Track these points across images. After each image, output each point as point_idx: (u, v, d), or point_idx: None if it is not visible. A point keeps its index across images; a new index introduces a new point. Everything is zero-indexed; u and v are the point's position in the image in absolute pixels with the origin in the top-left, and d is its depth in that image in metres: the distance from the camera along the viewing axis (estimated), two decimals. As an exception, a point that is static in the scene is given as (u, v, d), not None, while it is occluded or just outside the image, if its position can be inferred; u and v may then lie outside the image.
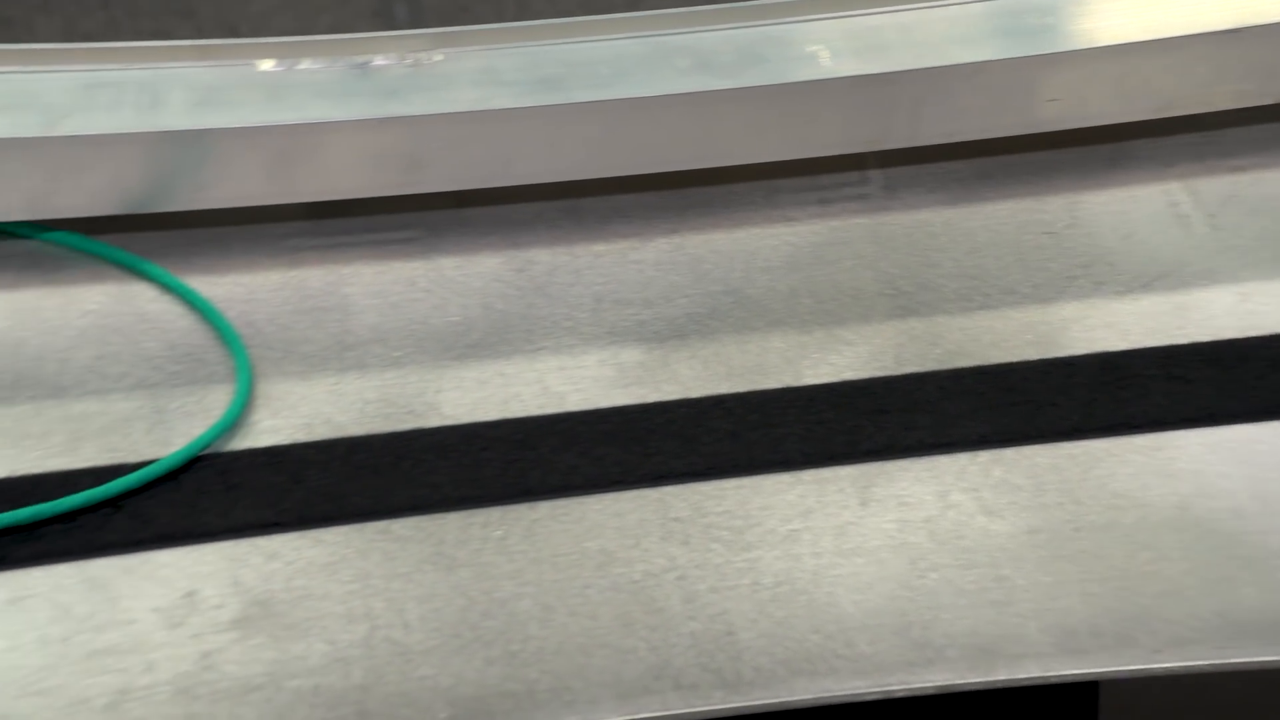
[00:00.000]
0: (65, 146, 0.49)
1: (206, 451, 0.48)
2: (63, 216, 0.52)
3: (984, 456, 0.48)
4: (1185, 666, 0.43)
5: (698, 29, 0.54)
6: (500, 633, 0.44)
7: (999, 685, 0.43)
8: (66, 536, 0.45)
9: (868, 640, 0.44)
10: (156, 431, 0.48)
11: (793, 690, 0.43)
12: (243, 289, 0.53)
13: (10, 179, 0.49)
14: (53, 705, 0.41)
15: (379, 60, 0.52)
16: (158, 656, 0.43)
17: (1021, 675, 0.43)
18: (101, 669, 0.42)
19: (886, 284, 0.55)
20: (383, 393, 0.51)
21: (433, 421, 0.50)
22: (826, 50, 0.53)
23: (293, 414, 0.50)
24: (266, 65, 0.52)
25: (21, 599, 0.43)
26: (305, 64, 0.52)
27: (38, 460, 0.47)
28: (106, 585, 0.44)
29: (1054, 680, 0.43)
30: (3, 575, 0.44)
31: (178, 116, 0.50)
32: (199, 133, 0.50)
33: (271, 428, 0.49)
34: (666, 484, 0.48)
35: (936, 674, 0.43)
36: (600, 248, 0.56)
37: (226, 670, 0.43)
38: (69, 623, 0.43)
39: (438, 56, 0.53)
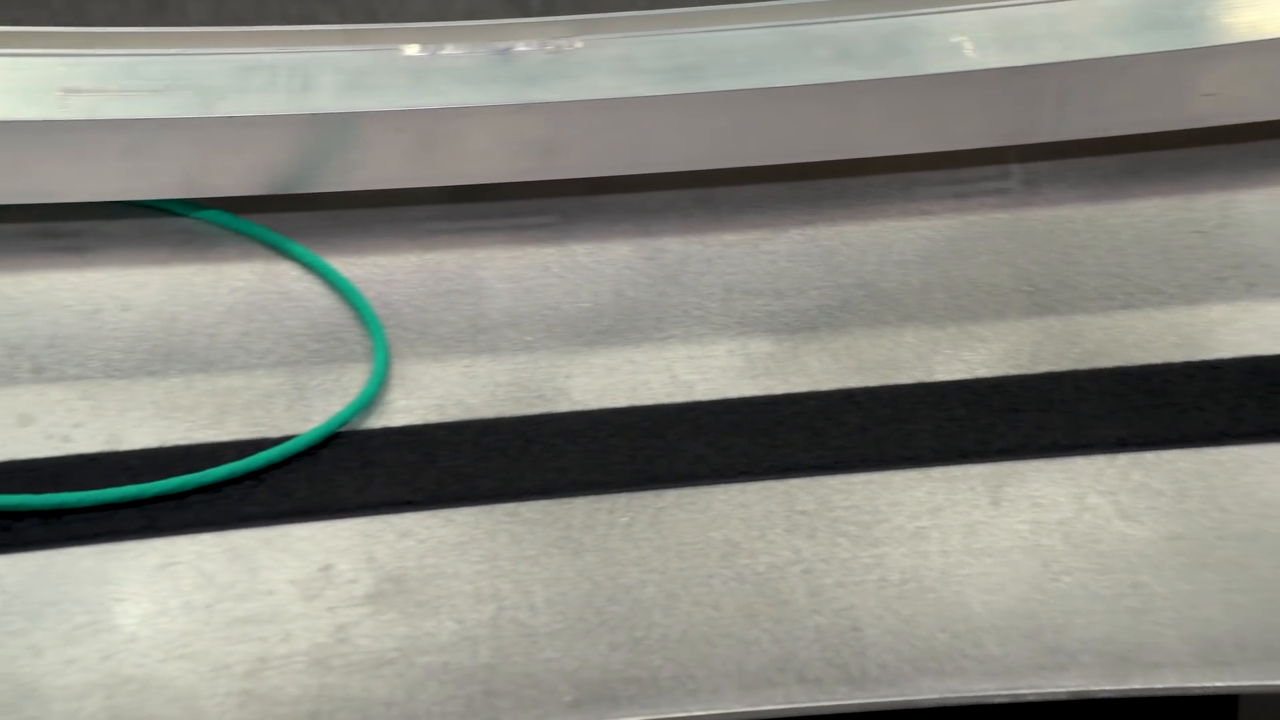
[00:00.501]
0: (221, 127, 0.51)
1: (344, 429, 0.49)
2: (215, 195, 0.54)
3: (1123, 460, 0.47)
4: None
5: (839, 19, 0.53)
6: (625, 618, 0.44)
7: (1134, 695, 0.42)
8: (212, 507, 0.47)
9: (997, 642, 0.43)
10: (297, 408, 0.50)
11: (918, 689, 0.42)
12: (381, 270, 0.55)
13: (169, 158, 0.51)
14: (197, 669, 0.43)
15: (520, 46, 0.53)
16: (294, 627, 0.44)
17: (1159, 685, 0.42)
18: (242, 637, 0.44)
19: (1024, 280, 0.54)
20: (514, 376, 0.51)
21: (562, 406, 0.50)
22: (971, 41, 0.52)
23: (426, 395, 0.51)
24: (412, 50, 0.53)
25: (169, 565, 0.45)
26: (449, 49, 0.52)
27: (186, 432, 0.49)
28: (248, 556, 0.46)
29: (1193, 692, 0.42)
30: (153, 542, 0.46)
31: (327, 99, 0.52)
32: (346, 115, 0.51)
33: (406, 407, 0.50)
34: (793, 476, 0.48)
35: (1069, 680, 0.42)
36: (732, 237, 0.56)
37: (360, 644, 0.44)
38: (212, 590, 0.45)
39: (578, 44, 0.53)
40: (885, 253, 0.55)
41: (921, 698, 0.42)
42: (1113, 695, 0.42)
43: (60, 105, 0.49)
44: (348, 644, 0.44)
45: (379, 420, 0.50)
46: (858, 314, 0.53)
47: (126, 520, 0.46)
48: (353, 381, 0.51)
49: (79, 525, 0.45)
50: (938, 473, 0.47)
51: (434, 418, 0.50)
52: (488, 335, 0.53)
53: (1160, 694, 0.42)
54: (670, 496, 0.48)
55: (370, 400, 0.50)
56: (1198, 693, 0.42)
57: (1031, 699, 0.42)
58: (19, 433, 0.47)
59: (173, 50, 0.51)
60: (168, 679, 0.42)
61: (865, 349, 0.52)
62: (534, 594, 0.46)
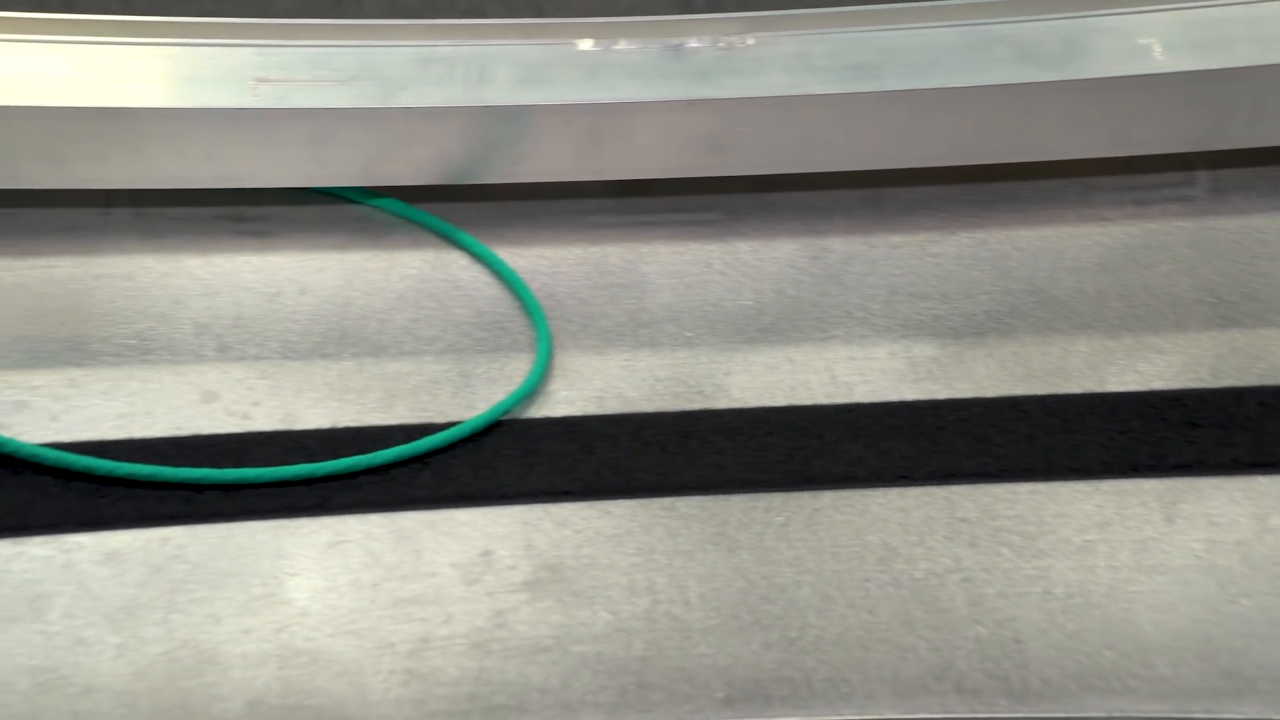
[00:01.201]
0: (400, 118, 0.52)
1: (506, 417, 0.50)
2: (390, 184, 0.55)
3: (1307, 482, 0.45)
4: None
5: (1021, 18, 0.52)
6: (778, 618, 0.44)
7: (1314, 727, 0.40)
8: (379, 488, 0.48)
9: (1168, 663, 0.42)
10: (462, 395, 0.51)
11: (1083, 706, 0.41)
12: (547, 262, 0.55)
13: (350, 146, 0.52)
14: (363, 646, 0.44)
15: (693, 43, 0.53)
16: (456, 610, 0.45)
17: (1340, 719, 0.40)
18: (406, 617, 0.45)
19: (1207, 291, 0.52)
20: (674, 371, 0.52)
21: (721, 403, 0.50)
22: (1160, 43, 0.50)
23: (587, 386, 0.51)
24: (585, 45, 0.53)
25: (339, 543, 0.47)
26: (622, 44, 0.53)
27: (357, 414, 0.50)
28: (412, 537, 0.47)
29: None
30: (324, 520, 0.47)
31: (501, 92, 0.52)
32: (519, 108, 0.52)
33: (567, 398, 0.51)
34: (955, 483, 0.47)
35: (1246, 706, 0.41)
36: (898, 239, 0.55)
37: (517, 629, 0.45)
38: (379, 570, 0.46)
39: (750, 40, 0.53)
40: (1059, 259, 0.54)
41: (1087, 715, 0.41)
42: (1291, 726, 0.40)
43: (252, 93, 0.51)
44: (506, 629, 0.45)
45: (540, 410, 0.51)
46: (1027, 320, 0.52)
47: (300, 497, 0.47)
48: (516, 371, 0.52)
49: (256, 500, 0.47)
50: (1107, 486, 0.46)
51: (593, 409, 0.50)
52: (649, 330, 0.53)
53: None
54: (827, 498, 0.47)
55: (532, 390, 0.51)
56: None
57: (1203, 725, 0.41)
58: (204, 408, 0.49)
59: (358, 42, 0.52)
60: (336, 654, 0.44)
61: (1034, 356, 0.51)
62: (688, 589, 0.46)
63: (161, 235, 0.54)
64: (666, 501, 0.48)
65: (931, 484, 0.47)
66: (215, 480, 0.47)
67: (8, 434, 0.46)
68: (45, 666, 0.42)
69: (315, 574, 0.45)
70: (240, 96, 0.51)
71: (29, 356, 0.49)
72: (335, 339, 0.52)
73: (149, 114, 0.50)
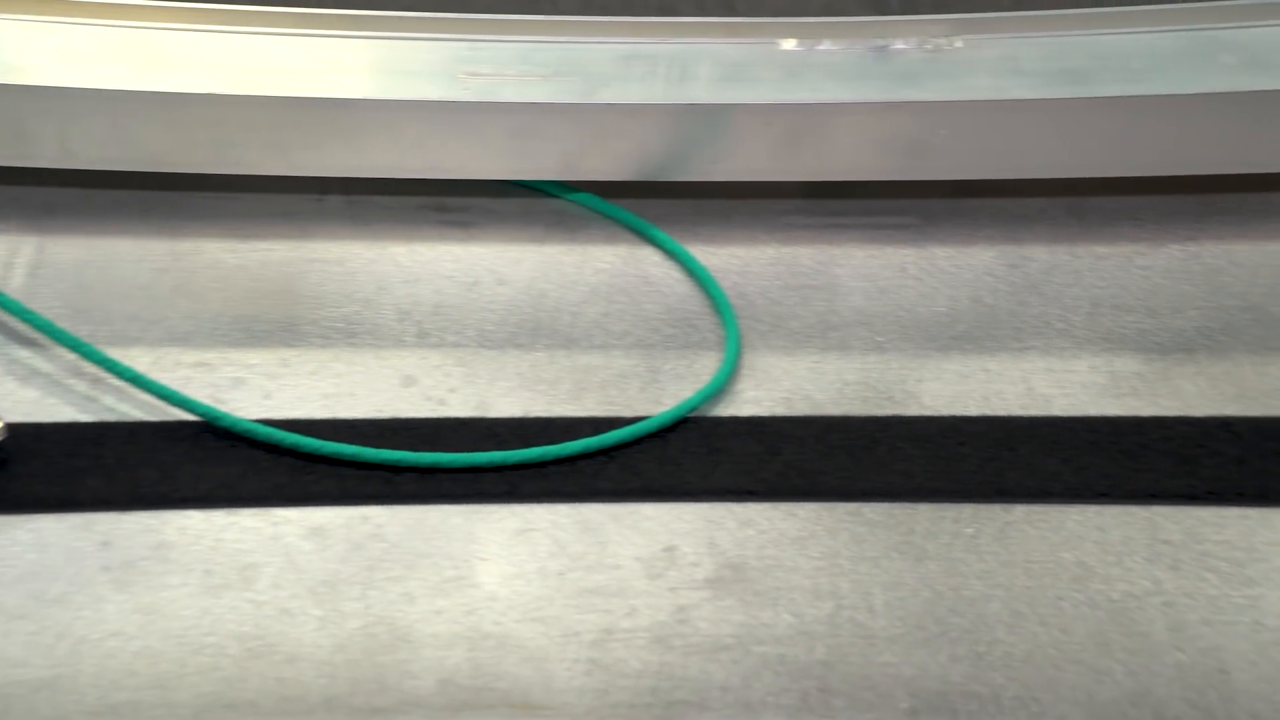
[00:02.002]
0: (601, 114, 0.53)
1: (693, 414, 0.50)
2: (587, 179, 0.56)
3: None
4: None
5: (1252, 23, 0.50)
6: (966, 631, 0.43)
7: None
8: (567, 479, 0.49)
9: (1387, 708, 0.40)
10: (649, 390, 0.51)
11: (1293, 747, 0.40)
12: (738, 261, 0.55)
13: (551, 141, 0.53)
14: (548, 633, 0.45)
15: (899, 44, 0.52)
16: (639, 603, 0.46)
17: None
18: (590, 607, 0.45)
19: None
20: (863, 376, 0.51)
21: (911, 410, 0.50)
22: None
23: (775, 387, 0.51)
24: (788, 45, 0.53)
25: (527, 531, 0.48)
26: (826, 45, 0.52)
27: (547, 405, 0.51)
28: (598, 529, 0.48)
29: None
30: (514, 507, 0.48)
31: (702, 90, 0.53)
32: (719, 107, 0.52)
33: (754, 398, 0.51)
34: (1158, 503, 0.46)
35: None
36: (1104, 249, 0.53)
37: (699, 626, 0.45)
38: (565, 559, 0.47)
39: (958, 43, 0.52)
40: (1279, 275, 0.51)
41: (1297, 756, 0.39)
42: None
43: (462, 87, 0.53)
44: (688, 625, 0.45)
45: (727, 409, 0.51)
46: (1241, 338, 0.50)
47: (491, 484, 0.48)
48: (704, 368, 0.52)
49: (450, 484, 0.48)
50: (1324, 515, 0.44)
51: (780, 410, 0.50)
52: (839, 332, 0.53)
53: None
54: (1019, 511, 0.46)
55: (720, 388, 0.51)
56: None
57: None
58: (403, 392, 0.51)
59: (563, 38, 0.53)
60: (522, 639, 0.44)
61: (1248, 376, 0.48)
62: (873, 596, 0.45)
63: (370, 223, 0.55)
64: (852, 507, 0.47)
65: (1132, 503, 0.46)
66: (412, 463, 0.48)
67: (225, 409, 0.48)
68: (253, 633, 0.43)
69: (504, 560, 0.46)
70: (450, 89, 0.52)
71: (247, 335, 0.51)
72: (529, 330, 0.53)
73: (365, 105, 0.52)
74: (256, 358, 0.50)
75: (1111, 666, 0.42)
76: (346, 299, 0.53)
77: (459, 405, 0.50)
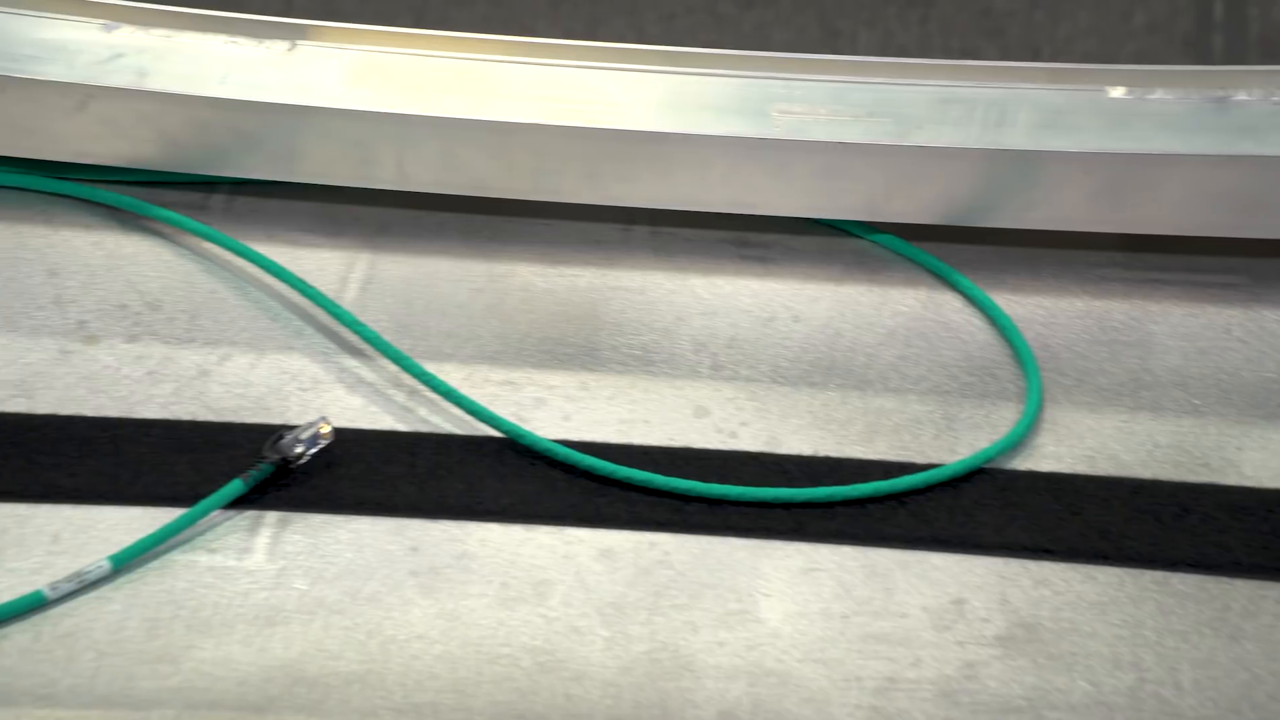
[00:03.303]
0: (912, 156, 0.52)
1: (989, 465, 0.49)
2: (891, 220, 0.55)
3: None
4: None
5: None
6: (1285, 722, 0.41)
7: None
8: (855, 521, 0.48)
9: None
10: (944, 438, 0.50)
11: None
12: (1044, 311, 0.54)
13: (858, 181, 0.53)
14: (830, 676, 0.44)
15: (1241, 95, 0.50)
16: (924, 655, 0.44)
17: None
18: (874, 653, 0.45)
19: None
20: (1176, 439, 0.48)
21: (1229, 479, 0.47)
22: None
23: (1077, 444, 0.49)
24: (1116, 92, 0.51)
25: (812, 570, 0.47)
26: (1159, 94, 0.50)
27: (838, 445, 0.50)
28: (884, 575, 0.47)
29: None
30: (800, 545, 0.48)
31: (1019, 136, 0.51)
32: (1036, 154, 0.51)
33: (1054, 454, 0.49)
34: None
35: None
36: None
37: (987, 685, 0.43)
38: (849, 602, 0.46)
39: (1307, 94, 0.49)
40: None
41: None
42: None
43: (773, 124, 0.53)
44: (976, 682, 0.43)
45: (1024, 462, 0.49)
46: None
47: (777, 520, 0.48)
48: (1002, 419, 0.50)
49: (737, 517, 0.48)
50: None
51: (1083, 469, 0.48)
52: (1151, 392, 0.50)
53: None
54: (1350, 598, 0.43)
55: (1019, 441, 0.49)
56: None
57: None
58: (695, 423, 0.51)
59: (878, 79, 0.53)
60: (803, 679, 0.44)
61: None
62: (1180, 672, 0.43)
63: (672, 254, 0.56)
64: (1159, 575, 0.45)
65: None
66: (701, 493, 0.49)
67: (528, 427, 0.50)
68: (544, 648, 0.44)
69: (788, 597, 0.46)
70: (761, 126, 0.53)
71: (550, 357, 0.53)
72: (823, 368, 0.53)
73: (677, 139, 0.53)
74: (558, 379, 0.52)
75: None
76: (646, 327, 0.54)
77: (749, 439, 0.50)
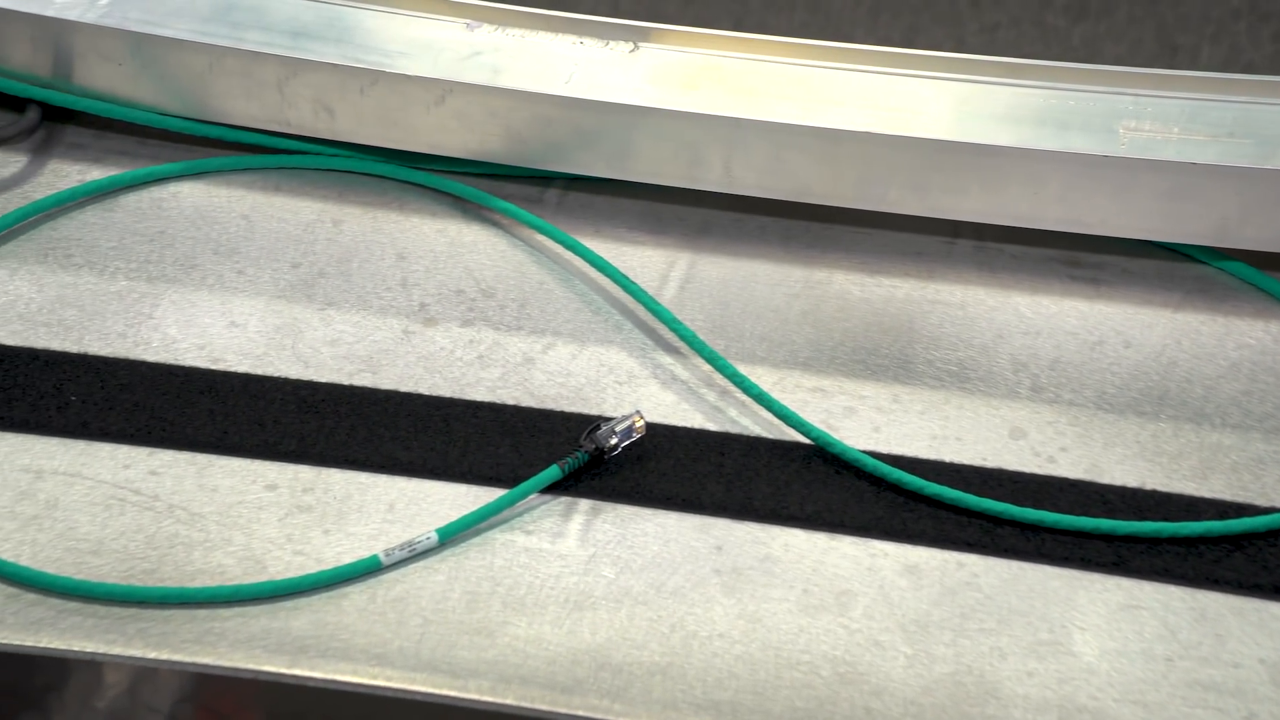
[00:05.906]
0: (1274, 180, 0.49)
1: (1337, 515, 0.45)
2: (1242, 247, 0.52)
3: None
4: None
5: None
6: None
7: None
8: (1184, 560, 0.45)
9: None
10: (1289, 480, 0.47)
11: None
12: None
13: (1209, 205, 0.50)
14: (1148, 718, 0.42)
15: None
16: (1261, 710, 0.41)
17: None
18: (1200, 702, 0.42)
19: None
20: None
21: None
22: None
23: None
24: None
25: (1133, 608, 0.45)
26: None
27: (1166, 479, 0.48)
28: (1215, 620, 0.44)
29: None
30: (1120, 580, 0.45)
31: None
32: None
33: None
34: None
35: None
36: None
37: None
38: (1174, 645, 0.43)
39: None
40: None
41: None
42: None
43: (1119, 142, 0.51)
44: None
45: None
46: None
47: (1096, 551, 0.46)
48: (1357, 467, 0.46)
49: (1052, 545, 0.46)
50: None
51: None
52: None
53: None
54: None
55: (1376, 491, 0.45)
56: None
57: None
58: (1010, 444, 0.49)
59: (1241, 97, 0.50)
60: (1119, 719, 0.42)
61: None
62: None
63: (996, 270, 0.55)
64: None
65: None
66: (1015, 516, 0.47)
67: (837, 436, 0.49)
68: (845, 659, 0.44)
69: (1105, 633, 0.44)
70: (1106, 144, 0.50)
71: (863, 367, 0.52)
72: (1154, 398, 0.50)
73: (1012, 153, 0.51)
74: (870, 390, 0.51)
75: None
76: (963, 343, 0.52)
77: (1069, 465, 0.48)
